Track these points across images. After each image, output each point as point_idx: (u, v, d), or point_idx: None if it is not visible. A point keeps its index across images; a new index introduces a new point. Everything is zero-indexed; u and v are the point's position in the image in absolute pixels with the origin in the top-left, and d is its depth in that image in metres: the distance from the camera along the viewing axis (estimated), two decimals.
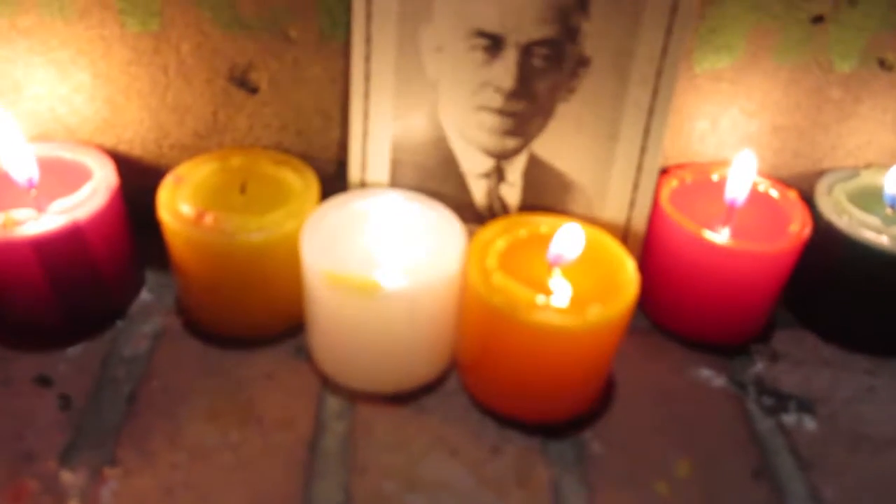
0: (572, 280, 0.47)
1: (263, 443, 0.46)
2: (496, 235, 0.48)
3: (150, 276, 0.57)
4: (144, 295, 0.55)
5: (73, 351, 0.51)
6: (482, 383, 0.48)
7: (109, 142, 0.55)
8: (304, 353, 0.51)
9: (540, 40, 0.49)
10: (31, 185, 0.49)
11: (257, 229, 0.47)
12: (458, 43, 0.49)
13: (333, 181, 0.54)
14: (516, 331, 0.43)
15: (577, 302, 0.44)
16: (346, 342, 0.47)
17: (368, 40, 0.49)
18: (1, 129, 0.47)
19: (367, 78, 0.50)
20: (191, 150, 0.55)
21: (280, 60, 0.51)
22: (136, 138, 0.55)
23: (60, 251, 0.47)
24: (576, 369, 0.46)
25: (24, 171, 0.48)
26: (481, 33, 0.48)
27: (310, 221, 0.48)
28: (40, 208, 0.47)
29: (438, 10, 0.48)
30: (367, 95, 0.51)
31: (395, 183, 0.54)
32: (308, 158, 0.54)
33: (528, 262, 0.47)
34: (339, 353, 0.48)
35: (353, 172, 0.54)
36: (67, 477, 0.43)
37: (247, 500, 0.43)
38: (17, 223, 0.46)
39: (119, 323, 0.53)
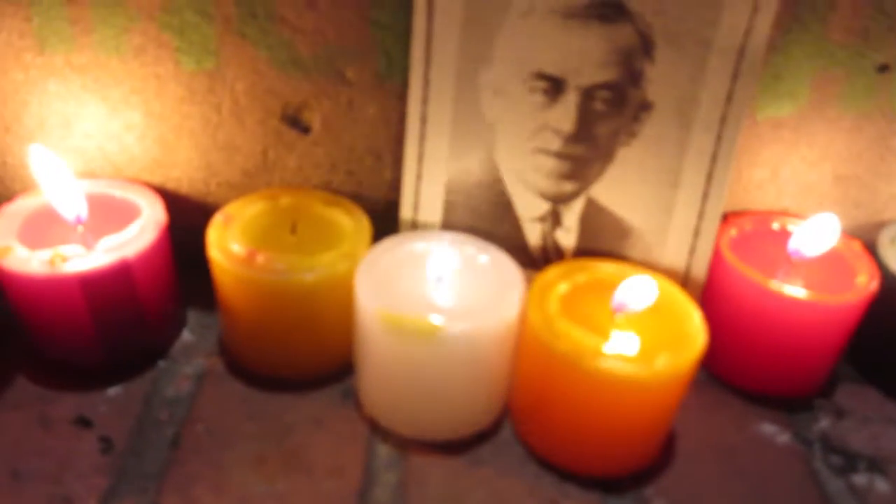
0: (635, 328, 0.45)
1: (312, 492, 0.44)
2: (557, 279, 0.46)
3: (192, 316, 0.55)
4: (186, 335, 0.54)
5: (114, 391, 0.49)
6: (539, 434, 0.46)
7: (157, 180, 0.54)
8: (352, 398, 0.50)
9: (602, 84, 0.48)
10: (78, 221, 0.48)
11: (309, 270, 0.46)
12: (517, 85, 0.48)
13: (382, 221, 0.53)
14: (580, 379, 0.42)
15: (642, 351, 0.42)
16: (399, 387, 0.45)
17: (426, 83, 0.49)
18: (50, 167, 0.46)
19: (423, 121, 0.50)
20: (238, 189, 0.54)
21: (334, 101, 0.50)
22: (184, 177, 0.54)
23: (107, 288, 0.46)
24: (640, 421, 0.44)
25: (73, 207, 0.47)
26: (542, 75, 0.48)
27: (364, 263, 0.46)
28: (88, 245, 0.46)
29: (499, 52, 0.47)
30: (422, 138, 0.50)
31: (448, 225, 0.52)
32: (357, 199, 0.53)
33: (589, 307, 0.46)
34: (391, 398, 0.46)
35: (405, 213, 0.52)
36: None
37: None
38: (66, 259, 0.45)
39: (161, 363, 0.51)
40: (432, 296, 0.46)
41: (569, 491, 0.45)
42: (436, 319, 0.42)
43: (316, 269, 0.46)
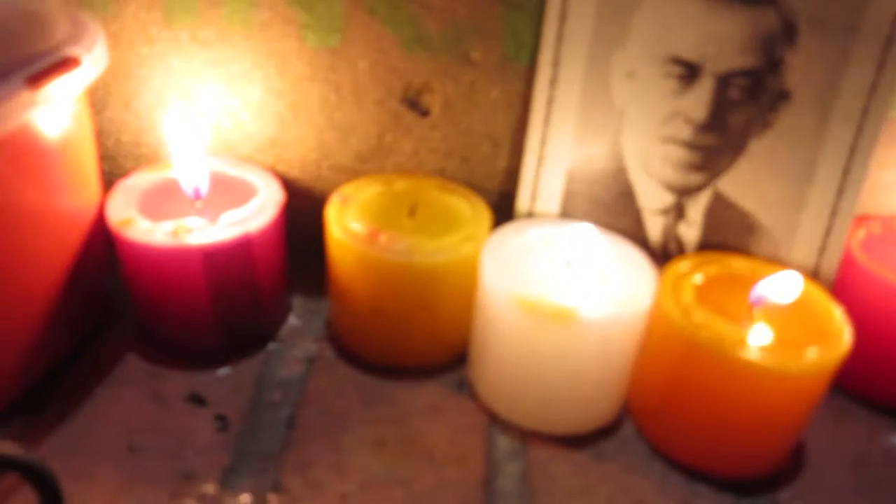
0: (771, 323, 0.43)
1: (436, 479, 0.42)
2: (690, 271, 0.44)
3: (297, 302, 0.54)
4: (293, 320, 0.53)
5: (225, 371, 0.48)
6: (667, 431, 0.44)
7: (268, 160, 0.53)
8: (467, 389, 0.48)
9: (740, 70, 0.46)
10: (197, 196, 0.47)
11: (435, 251, 0.44)
12: (651, 69, 0.47)
13: (494, 213, 0.51)
14: (722, 370, 0.40)
15: (785, 345, 0.40)
16: (523, 376, 0.44)
17: (556, 63, 0.47)
18: (180, 138, 0.46)
19: (549, 102, 0.48)
20: (349, 174, 0.53)
21: (457, 82, 0.49)
22: (296, 158, 0.53)
23: (228, 263, 0.45)
24: (778, 418, 0.42)
25: (195, 182, 0.47)
26: (677, 60, 0.46)
27: (488, 246, 0.45)
28: (208, 220, 0.45)
29: (635, 34, 0.46)
30: (547, 121, 0.49)
31: (566, 215, 0.51)
32: (470, 187, 0.51)
33: (722, 300, 0.43)
34: (513, 388, 0.45)
35: (522, 201, 0.51)
36: (231, 501, 0.40)
37: None
38: (189, 231, 0.44)
39: (271, 345, 0.50)
40: (561, 282, 0.44)
41: (699, 490, 0.43)
42: (572, 305, 0.40)
43: (441, 251, 0.45)
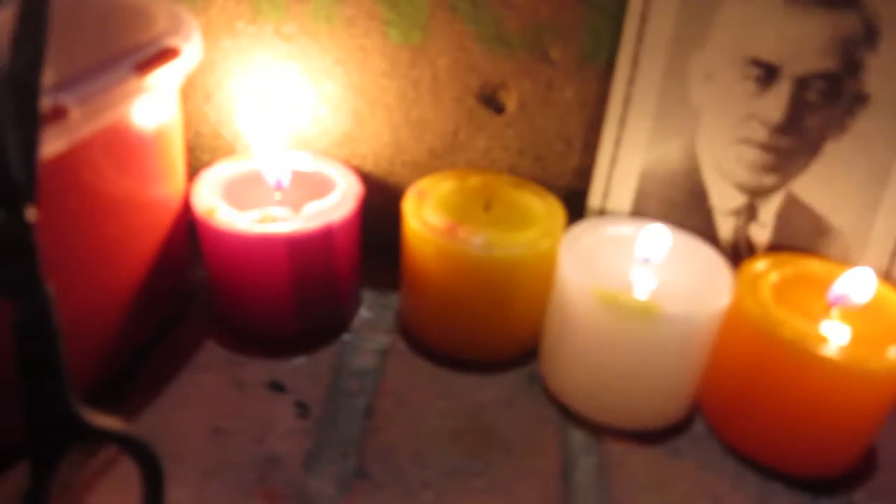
0: (847, 324, 0.43)
1: (514, 470, 0.43)
2: (766, 270, 0.45)
3: (367, 295, 0.55)
4: (364, 312, 0.54)
5: (301, 360, 0.49)
6: (741, 429, 0.45)
7: (343, 155, 0.54)
8: (538, 383, 0.48)
9: (819, 73, 0.46)
10: (278, 187, 0.48)
11: (513, 245, 0.45)
12: (729, 71, 0.47)
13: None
14: (804, 367, 0.40)
15: (865, 344, 0.41)
16: (598, 370, 0.44)
17: (635, 64, 0.48)
18: (261, 131, 0.47)
19: (626, 102, 0.49)
20: (422, 169, 0.54)
21: (534, 80, 0.50)
22: (371, 153, 0.54)
23: (310, 252, 0.46)
24: (857, 417, 0.42)
25: (277, 173, 0.48)
26: (756, 62, 0.47)
27: (566, 241, 0.46)
28: (290, 211, 0.46)
29: (714, 36, 0.46)
30: (623, 121, 0.49)
31: (637, 213, 0.51)
32: (540, 184, 0.52)
33: (798, 300, 0.44)
34: (587, 382, 0.45)
35: (594, 199, 0.52)
36: (316, 485, 0.40)
37: None
38: (274, 220, 0.45)
39: (345, 336, 0.51)
40: (638, 279, 0.45)
41: (774, 489, 0.43)
42: (655, 300, 0.41)
43: (519, 244, 0.45)
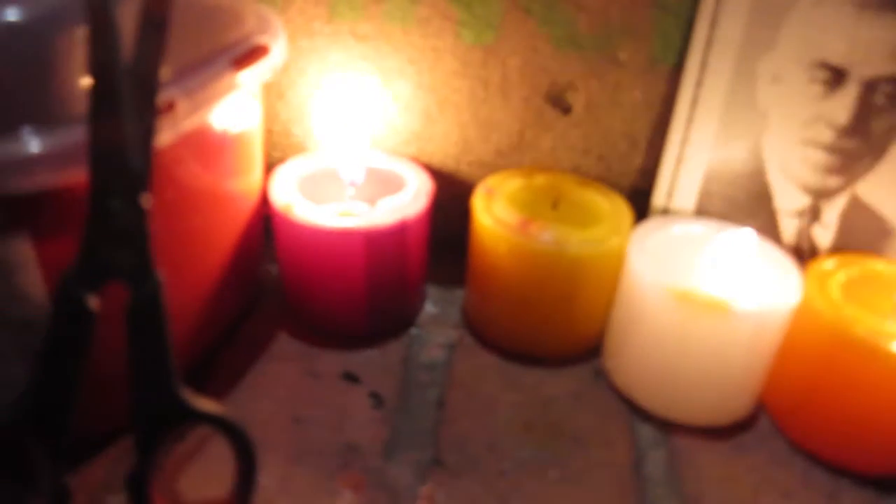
0: None
1: (586, 461, 0.44)
2: (834, 270, 0.46)
3: (432, 291, 0.56)
4: (429, 307, 0.55)
5: (371, 353, 0.50)
6: (808, 427, 0.45)
7: (410, 154, 0.55)
8: (604, 379, 0.49)
9: (887, 77, 0.47)
10: (352, 184, 0.50)
11: (584, 242, 0.46)
12: (797, 73, 0.48)
13: None
14: (873, 364, 0.41)
15: None
16: (669, 366, 0.45)
17: (704, 66, 0.49)
18: (335, 128, 0.48)
19: (693, 103, 0.50)
20: (488, 168, 0.55)
21: (602, 82, 0.51)
22: (438, 152, 0.55)
23: (385, 247, 0.47)
24: None
25: (351, 170, 0.49)
26: (825, 65, 0.47)
27: (635, 239, 0.47)
28: (363, 207, 0.48)
29: (784, 39, 0.47)
30: (690, 121, 0.50)
31: (701, 213, 0.52)
32: (603, 183, 0.53)
33: (865, 299, 0.44)
34: (656, 378, 0.46)
35: (658, 199, 0.52)
36: (395, 473, 0.42)
37: None
38: (351, 215, 0.46)
39: (413, 331, 0.52)
40: (707, 276, 0.46)
41: (843, 485, 0.44)
42: (727, 297, 0.41)
43: (590, 241, 0.46)
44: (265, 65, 0.42)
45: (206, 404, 0.35)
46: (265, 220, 0.49)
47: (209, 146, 0.41)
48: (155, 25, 0.30)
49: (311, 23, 0.51)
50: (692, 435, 0.46)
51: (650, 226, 0.48)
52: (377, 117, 0.53)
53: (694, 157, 0.51)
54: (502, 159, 0.54)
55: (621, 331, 0.48)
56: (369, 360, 0.49)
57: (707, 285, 0.44)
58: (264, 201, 0.49)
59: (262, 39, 0.42)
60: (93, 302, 0.32)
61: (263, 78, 0.42)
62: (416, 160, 0.55)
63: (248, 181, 0.47)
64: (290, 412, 0.45)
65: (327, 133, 0.51)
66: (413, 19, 0.50)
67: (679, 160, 0.51)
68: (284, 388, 0.47)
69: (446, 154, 0.55)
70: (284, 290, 0.52)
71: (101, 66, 0.29)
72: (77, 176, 0.31)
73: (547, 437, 0.45)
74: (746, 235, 0.47)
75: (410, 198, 0.49)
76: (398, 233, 0.47)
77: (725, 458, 0.45)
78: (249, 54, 0.41)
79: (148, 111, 0.31)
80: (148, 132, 0.31)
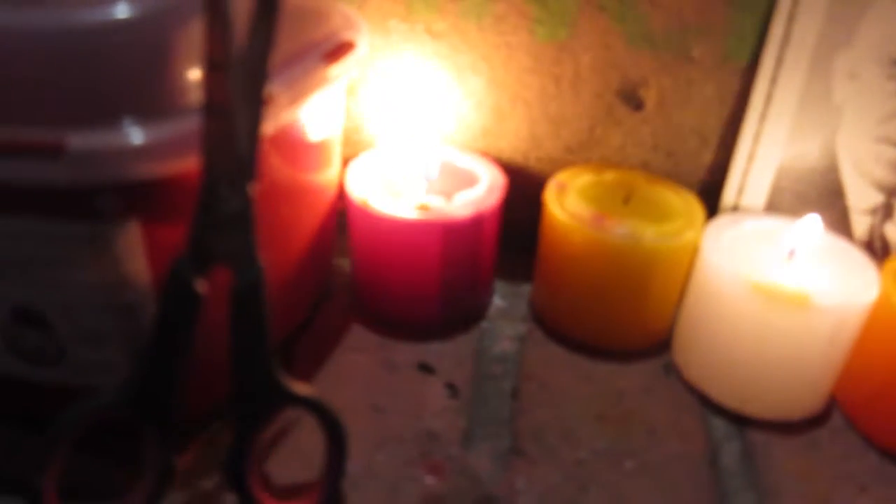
0: None
1: (661, 453, 0.44)
2: None
3: (499, 285, 0.57)
4: (497, 301, 0.55)
5: (443, 345, 0.51)
6: (883, 422, 0.46)
7: (480, 149, 0.56)
8: (674, 372, 0.50)
9: None
10: (426, 178, 0.51)
11: (660, 236, 0.46)
12: (874, 71, 0.48)
13: None
14: None
15: None
16: (744, 360, 0.45)
17: (779, 62, 0.49)
18: (408, 124, 0.49)
19: (767, 100, 0.50)
20: (557, 164, 0.56)
21: (674, 78, 0.51)
22: (508, 148, 0.56)
23: (462, 239, 0.48)
24: None
25: (425, 165, 0.50)
26: None
27: (709, 234, 0.47)
28: (439, 200, 0.49)
29: (861, 36, 0.47)
30: (763, 118, 0.50)
31: (772, 209, 0.52)
32: (672, 180, 0.54)
33: None
34: (730, 372, 0.46)
35: (729, 195, 0.53)
36: (475, 460, 0.42)
37: None
38: (429, 208, 0.47)
39: (483, 324, 0.53)
40: (783, 271, 0.46)
41: None
42: (807, 291, 0.42)
43: (665, 236, 0.47)
44: (352, 60, 0.43)
45: (301, 388, 0.36)
46: (340, 214, 0.50)
47: (299, 139, 0.42)
48: (266, 17, 0.31)
49: (388, 20, 0.52)
50: (766, 429, 0.46)
51: (723, 221, 0.49)
52: (448, 113, 0.54)
53: (766, 153, 0.51)
54: (571, 155, 0.55)
55: (694, 325, 0.48)
56: (442, 352, 0.50)
57: (783, 280, 0.45)
58: (340, 195, 0.50)
59: (348, 36, 0.43)
60: (200, 285, 0.33)
61: (351, 73, 0.43)
62: (486, 155, 0.55)
63: (328, 175, 0.48)
64: (369, 401, 0.46)
65: (399, 129, 0.52)
66: (488, 16, 0.51)
67: (751, 157, 0.52)
68: (362, 378, 0.48)
69: (515, 150, 0.56)
70: (356, 283, 0.53)
71: (215, 57, 0.30)
72: (182, 165, 0.32)
73: (621, 429, 0.46)
74: (816, 223, 0.47)
75: (485, 191, 0.50)
76: (474, 226, 0.48)
77: (800, 451, 0.45)
78: (338, 50, 0.42)
79: (256, 101, 0.32)
80: (255, 122, 0.32)
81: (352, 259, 0.53)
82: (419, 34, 0.52)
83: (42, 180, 0.31)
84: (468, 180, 0.52)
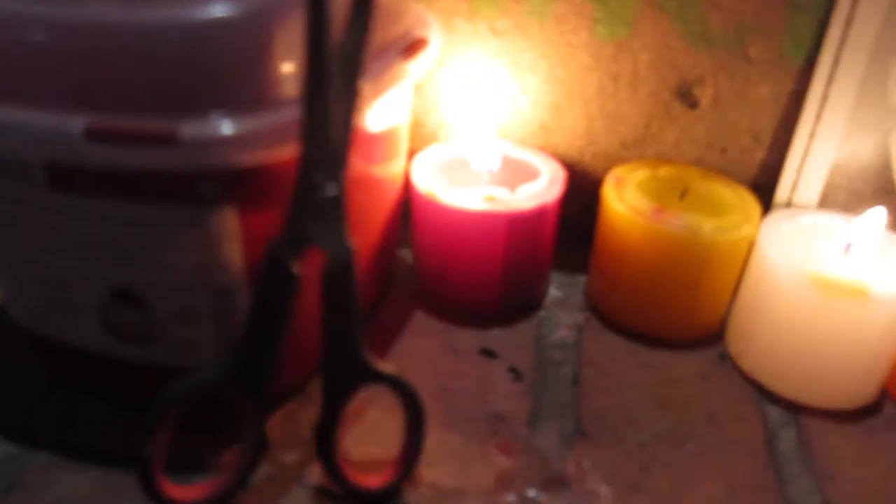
0: None
1: (721, 437, 0.46)
2: None
3: (553, 276, 0.58)
4: (553, 291, 0.57)
5: (503, 332, 0.53)
6: None
7: (536, 144, 0.58)
8: (729, 361, 0.51)
9: None
10: (487, 171, 0.53)
11: (719, 229, 0.48)
12: None
13: None
14: None
15: None
16: (801, 349, 0.47)
17: (836, 63, 0.50)
18: (470, 119, 0.51)
19: (823, 100, 0.51)
20: (611, 160, 0.58)
21: (731, 77, 0.53)
22: (563, 143, 0.57)
23: (524, 231, 0.50)
24: None
25: (486, 158, 0.52)
26: None
27: (766, 227, 0.49)
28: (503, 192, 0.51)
29: None
30: (818, 117, 0.52)
31: (825, 206, 0.54)
32: (724, 176, 0.55)
33: None
34: (786, 361, 0.48)
35: (782, 193, 0.54)
36: (542, 441, 0.44)
37: (723, 487, 0.42)
38: (495, 200, 0.49)
39: (541, 312, 0.55)
40: (841, 264, 0.48)
41: None
42: (865, 282, 0.43)
43: (724, 229, 0.48)
44: (426, 57, 0.45)
45: (386, 366, 0.38)
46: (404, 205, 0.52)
47: (374, 132, 0.44)
48: (363, 12, 0.33)
49: (453, 19, 0.54)
50: (820, 417, 0.48)
51: (779, 216, 0.50)
52: (507, 109, 0.56)
53: (820, 151, 0.53)
54: (626, 151, 0.57)
55: (750, 316, 0.50)
56: (503, 339, 0.52)
57: (840, 272, 0.46)
58: (405, 188, 0.52)
59: (422, 33, 0.45)
60: (296, 266, 0.35)
61: (425, 69, 0.45)
62: (543, 150, 0.57)
63: (396, 167, 0.50)
64: (437, 383, 0.48)
65: (460, 123, 0.54)
66: (551, 16, 0.52)
67: (805, 154, 0.53)
68: (428, 362, 0.50)
69: (571, 145, 0.57)
70: (419, 271, 0.55)
71: (314, 49, 0.32)
72: (278, 154, 0.34)
73: (680, 414, 0.47)
74: (878, 215, 0.48)
75: (547, 184, 0.51)
76: (537, 217, 0.50)
77: (855, 439, 0.47)
78: (413, 46, 0.44)
79: (351, 93, 0.34)
80: (349, 112, 0.34)
81: (414, 249, 0.55)
82: (483, 33, 0.54)
83: (154, 167, 0.33)
84: (527, 173, 0.54)
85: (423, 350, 0.51)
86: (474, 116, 0.56)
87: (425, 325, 0.53)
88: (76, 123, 0.32)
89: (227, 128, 0.33)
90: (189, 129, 0.32)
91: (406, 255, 0.59)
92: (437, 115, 0.58)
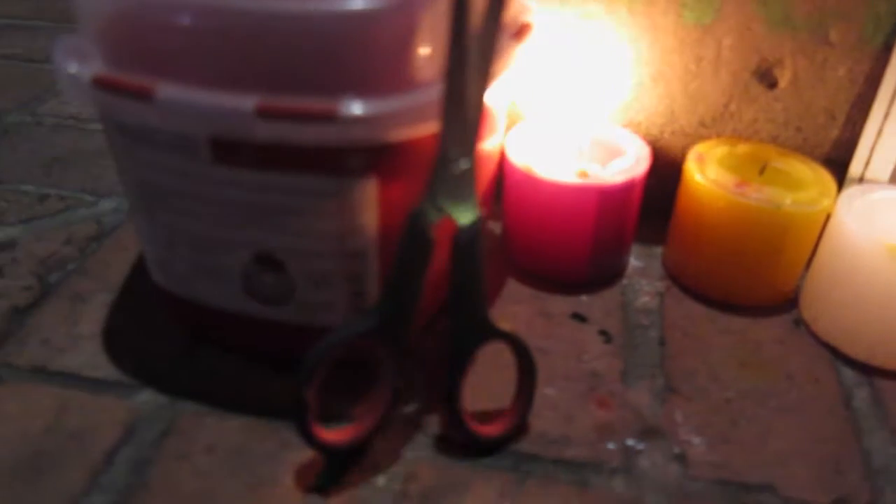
0: None
1: (800, 394, 0.50)
2: None
3: (633, 247, 0.62)
4: (633, 261, 0.61)
5: (591, 298, 0.57)
6: None
7: (618, 122, 0.61)
8: (803, 326, 0.55)
9: None
10: (578, 147, 0.57)
11: (800, 202, 0.52)
12: None
13: None
14: None
15: None
16: (876, 315, 0.50)
17: None
18: (561, 98, 0.55)
19: None
20: (689, 139, 0.61)
21: (810, 59, 0.56)
22: (645, 122, 0.61)
23: (614, 203, 0.54)
24: None
25: (579, 136, 0.56)
26: None
27: (843, 201, 0.52)
28: (593, 168, 0.54)
29: None
30: (893, 98, 0.55)
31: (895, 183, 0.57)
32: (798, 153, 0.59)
33: None
34: (860, 326, 0.52)
35: (855, 168, 0.58)
36: (635, 396, 0.48)
37: (806, 439, 0.46)
38: (587, 175, 0.53)
39: (623, 281, 0.59)
40: None
41: None
42: None
43: (804, 202, 0.52)
44: (532, 40, 0.49)
45: (504, 324, 0.42)
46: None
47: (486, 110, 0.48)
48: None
49: (547, 3, 0.57)
50: (893, 378, 0.51)
51: (854, 191, 0.54)
52: (593, 89, 0.60)
53: (894, 130, 0.56)
54: (704, 129, 0.60)
55: (827, 284, 0.53)
56: (591, 304, 0.56)
57: None
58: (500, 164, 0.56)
59: (527, 18, 0.49)
60: (432, 232, 0.39)
61: (531, 52, 0.49)
62: (625, 128, 0.61)
63: (496, 144, 0.54)
64: (534, 344, 0.52)
65: (550, 102, 0.58)
66: (640, 2, 0.56)
67: (879, 133, 0.57)
68: (523, 325, 0.54)
69: (652, 123, 0.61)
70: (510, 242, 0.59)
71: (457, 36, 0.36)
72: (420, 131, 0.38)
73: (761, 374, 0.51)
74: None
75: (634, 160, 0.55)
76: (626, 191, 0.54)
77: None
78: (521, 30, 0.48)
79: (484, 74, 0.38)
80: (482, 92, 0.38)
81: (506, 221, 0.59)
82: (573, 16, 0.58)
83: (311, 141, 0.37)
84: (613, 150, 0.58)
85: (517, 315, 0.55)
86: (564, 96, 0.60)
87: (517, 292, 0.57)
88: (247, 102, 0.36)
89: (378, 107, 0.37)
90: (346, 107, 0.36)
91: (495, 227, 0.63)
92: (524, 96, 0.62)
